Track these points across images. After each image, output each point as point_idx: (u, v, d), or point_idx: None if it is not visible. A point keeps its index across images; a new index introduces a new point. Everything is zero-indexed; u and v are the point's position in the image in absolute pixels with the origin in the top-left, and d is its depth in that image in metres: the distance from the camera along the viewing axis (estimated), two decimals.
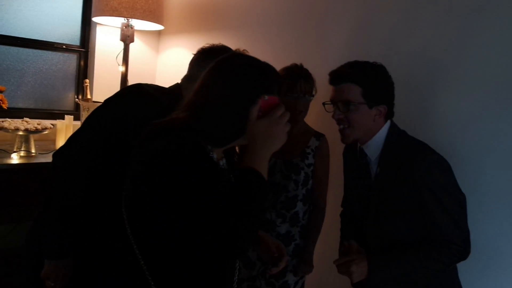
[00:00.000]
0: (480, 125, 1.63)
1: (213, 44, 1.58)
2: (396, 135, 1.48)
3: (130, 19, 2.78)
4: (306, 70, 1.91)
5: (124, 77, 2.85)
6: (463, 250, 1.37)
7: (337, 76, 1.46)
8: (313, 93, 1.91)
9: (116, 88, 2.71)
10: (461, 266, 1.47)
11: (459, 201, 1.38)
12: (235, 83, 1.09)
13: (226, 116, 1.09)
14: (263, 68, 1.12)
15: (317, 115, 2.06)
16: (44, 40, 3.04)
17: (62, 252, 1.47)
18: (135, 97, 1.48)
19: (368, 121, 1.45)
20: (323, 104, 1.55)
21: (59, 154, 1.47)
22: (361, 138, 1.49)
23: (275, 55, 2.24)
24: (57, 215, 1.44)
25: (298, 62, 1.93)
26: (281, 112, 1.05)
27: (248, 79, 1.10)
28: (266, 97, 1.06)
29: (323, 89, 1.86)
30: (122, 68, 2.86)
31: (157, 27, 2.91)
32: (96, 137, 1.45)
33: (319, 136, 1.96)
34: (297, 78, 1.85)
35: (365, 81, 1.42)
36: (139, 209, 1.04)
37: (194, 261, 1.06)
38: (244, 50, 1.72)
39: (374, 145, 1.48)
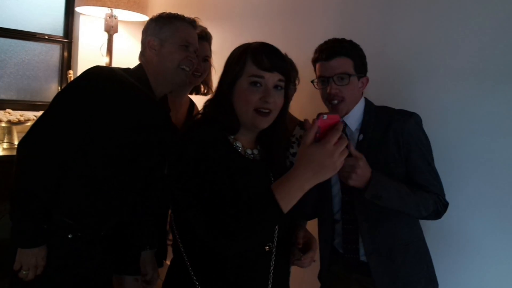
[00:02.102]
0: (462, 122, 1.65)
1: (163, 12, 1.64)
2: (373, 106, 1.56)
3: (114, 10, 2.75)
4: (290, 60, 1.92)
5: None
6: (444, 203, 1.47)
7: (331, 51, 1.49)
8: (296, 82, 1.92)
9: None
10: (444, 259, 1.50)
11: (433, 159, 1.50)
12: (225, 66, 1.19)
13: (219, 98, 1.17)
14: (245, 44, 1.19)
15: (301, 105, 2.07)
16: (26, 30, 2.99)
17: (33, 241, 1.46)
18: (96, 77, 1.48)
19: (357, 92, 1.53)
20: (312, 81, 1.56)
21: (23, 143, 1.46)
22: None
23: None
24: (26, 204, 1.43)
25: (283, 52, 1.92)
26: (336, 138, 0.94)
27: (231, 57, 1.19)
28: (325, 116, 0.94)
29: (308, 78, 1.87)
30: (106, 59, 2.83)
31: (142, 17, 2.89)
32: (60, 123, 1.45)
33: (303, 124, 1.97)
34: None
35: (355, 55, 1.49)
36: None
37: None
38: (196, 17, 1.72)
39: (354, 116, 1.53)
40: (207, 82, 2.03)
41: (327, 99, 1.51)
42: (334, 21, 2.10)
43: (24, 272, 1.47)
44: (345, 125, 1.55)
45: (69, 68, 3.13)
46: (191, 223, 1.07)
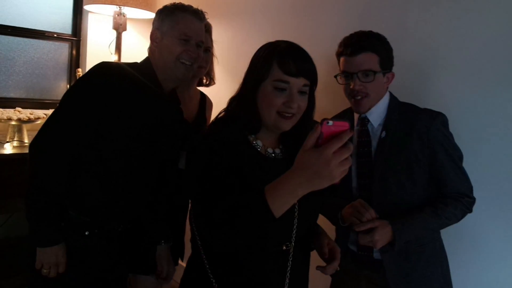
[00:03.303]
0: (477, 120, 1.63)
1: (170, 3, 1.62)
2: (397, 102, 1.54)
3: (122, 7, 2.74)
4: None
5: None
6: (473, 201, 1.47)
7: (356, 46, 1.45)
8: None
9: None
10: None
11: (462, 156, 1.48)
12: (250, 65, 1.19)
13: (243, 97, 1.18)
14: (272, 43, 1.17)
15: (319, 105, 2.04)
16: (35, 28, 2.99)
17: (51, 240, 1.46)
18: (104, 73, 1.47)
19: (381, 88, 1.50)
20: (335, 76, 1.53)
21: (35, 142, 1.46)
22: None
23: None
24: (41, 203, 1.44)
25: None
26: (337, 146, 0.86)
27: (258, 56, 1.17)
28: (330, 122, 0.87)
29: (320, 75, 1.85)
30: (115, 57, 2.82)
31: (150, 15, 2.87)
32: (70, 120, 1.45)
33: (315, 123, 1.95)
34: None
35: (381, 49, 1.47)
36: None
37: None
38: (204, 11, 1.70)
39: (377, 111, 1.51)
40: (209, 73, 2.02)
41: (350, 94, 1.49)
42: (345, 16, 2.07)
43: (45, 271, 1.47)
44: (368, 121, 1.52)
45: (77, 66, 3.13)
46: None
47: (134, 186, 1.57)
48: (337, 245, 1.28)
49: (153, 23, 1.62)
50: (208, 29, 1.91)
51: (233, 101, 1.22)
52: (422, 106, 1.53)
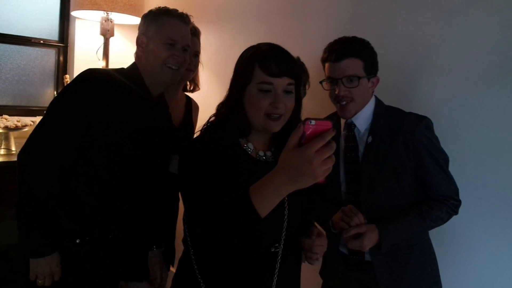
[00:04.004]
0: (466, 122, 1.64)
1: (156, 7, 1.62)
2: (383, 106, 1.55)
3: (109, 13, 2.73)
4: (302, 63, 1.91)
5: None
6: (458, 204, 1.49)
7: (340, 52, 1.47)
8: (306, 87, 1.91)
9: None
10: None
11: (448, 160, 1.50)
12: (235, 70, 1.20)
13: (230, 102, 1.19)
14: (254, 47, 1.19)
15: (309, 108, 2.05)
16: (21, 35, 2.97)
17: (43, 250, 1.44)
18: (91, 80, 1.46)
19: (367, 93, 1.51)
20: (321, 82, 1.54)
21: (23, 151, 1.44)
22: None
23: None
24: (32, 213, 1.42)
25: (295, 55, 1.92)
26: (319, 145, 0.86)
27: (240, 61, 1.19)
28: (313, 121, 0.87)
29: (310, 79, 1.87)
30: (102, 63, 2.81)
31: (138, 20, 2.85)
32: (58, 128, 1.43)
33: None
34: None
35: (365, 55, 1.48)
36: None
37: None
38: (189, 15, 1.70)
39: (363, 116, 1.52)
40: (193, 79, 2.02)
41: (336, 99, 1.50)
42: (334, 20, 2.09)
43: (39, 282, 1.45)
44: (354, 126, 1.54)
45: (65, 72, 3.11)
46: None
47: (125, 191, 1.57)
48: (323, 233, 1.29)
49: (139, 28, 1.61)
50: (197, 34, 1.92)
51: (222, 106, 1.23)
52: (408, 109, 1.55)
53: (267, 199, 0.94)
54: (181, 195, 1.18)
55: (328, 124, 0.88)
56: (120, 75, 1.53)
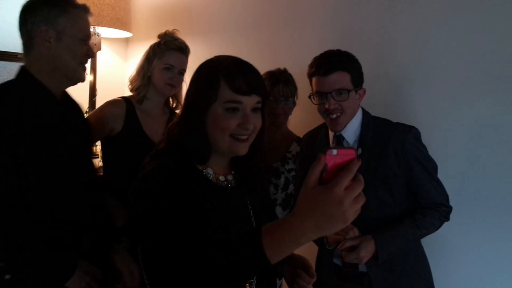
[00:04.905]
0: (459, 127, 1.67)
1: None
2: (370, 117, 1.56)
3: (96, 27, 2.72)
4: (289, 75, 1.92)
5: (93, 86, 2.78)
6: (449, 210, 1.50)
7: (329, 67, 1.46)
8: (295, 98, 1.92)
9: (85, 97, 2.65)
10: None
11: (436, 167, 1.51)
12: (193, 87, 1.07)
13: (188, 123, 1.04)
14: (214, 61, 1.07)
15: (299, 121, 2.06)
16: (8, 51, 2.94)
17: (68, 270, 1.40)
18: (12, 100, 1.36)
19: (355, 105, 1.52)
20: (310, 96, 1.54)
21: None
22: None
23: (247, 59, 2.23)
24: (29, 256, 1.36)
25: (281, 66, 1.96)
26: (347, 180, 0.72)
27: (201, 77, 1.06)
28: (334, 151, 0.73)
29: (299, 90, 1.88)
30: (90, 77, 2.79)
31: (125, 34, 2.86)
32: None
33: (301, 141, 1.96)
34: (276, 82, 1.88)
35: (352, 68, 1.49)
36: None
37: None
38: (174, 29, 1.71)
39: (352, 128, 1.53)
40: (177, 97, 2.00)
41: (325, 113, 1.50)
42: (321, 33, 2.11)
43: None
44: (343, 138, 1.54)
45: None
46: (167, 259, 0.92)
47: (76, 199, 1.49)
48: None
49: (35, 16, 1.42)
50: (187, 52, 1.90)
51: (175, 129, 1.08)
52: (393, 118, 1.56)
53: (282, 248, 0.80)
54: (141, 236, 0.99)
55: (352, 153, 0.74)
56: (12, 88, 1.41)
